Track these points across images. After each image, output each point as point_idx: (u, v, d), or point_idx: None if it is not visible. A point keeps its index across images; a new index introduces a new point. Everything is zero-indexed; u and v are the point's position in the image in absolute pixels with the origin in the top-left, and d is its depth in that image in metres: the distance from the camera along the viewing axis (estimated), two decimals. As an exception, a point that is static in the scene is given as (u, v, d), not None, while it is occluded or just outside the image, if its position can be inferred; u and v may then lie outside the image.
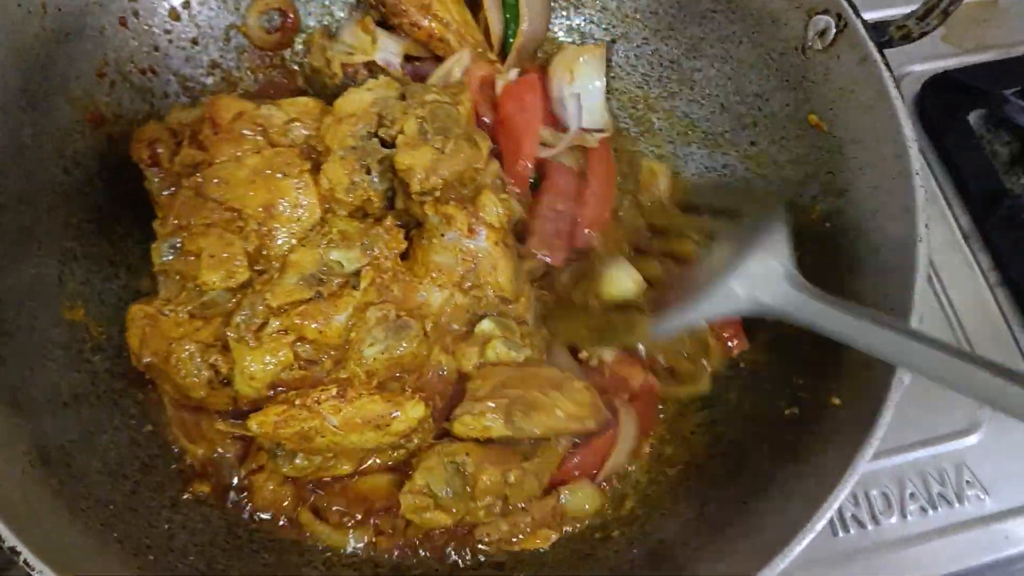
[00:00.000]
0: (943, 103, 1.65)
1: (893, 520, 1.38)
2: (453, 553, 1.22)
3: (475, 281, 1.21)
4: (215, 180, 1.17)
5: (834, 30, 1.20)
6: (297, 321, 1.11)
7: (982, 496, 1.40)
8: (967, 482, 1.42)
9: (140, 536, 1.08)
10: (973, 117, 1.66)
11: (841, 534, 1.37)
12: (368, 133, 1.20)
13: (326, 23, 1.51)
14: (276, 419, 1.09)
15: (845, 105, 1.21)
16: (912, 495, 1.40)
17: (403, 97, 1.24)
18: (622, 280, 1.30)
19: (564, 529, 1.23)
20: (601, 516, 1.25)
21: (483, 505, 1.18)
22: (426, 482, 1.17)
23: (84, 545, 1.00)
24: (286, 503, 1.21)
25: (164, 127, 1.25)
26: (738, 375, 1.31)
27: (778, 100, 1.31)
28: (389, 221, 1.19)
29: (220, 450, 1.23)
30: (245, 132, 1.20)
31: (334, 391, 1.11)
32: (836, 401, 1.11)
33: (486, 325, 1.23)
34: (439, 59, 1.45)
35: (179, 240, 1.17)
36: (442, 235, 1.20)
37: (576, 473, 1.26)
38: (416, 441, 1.18)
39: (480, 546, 1.22)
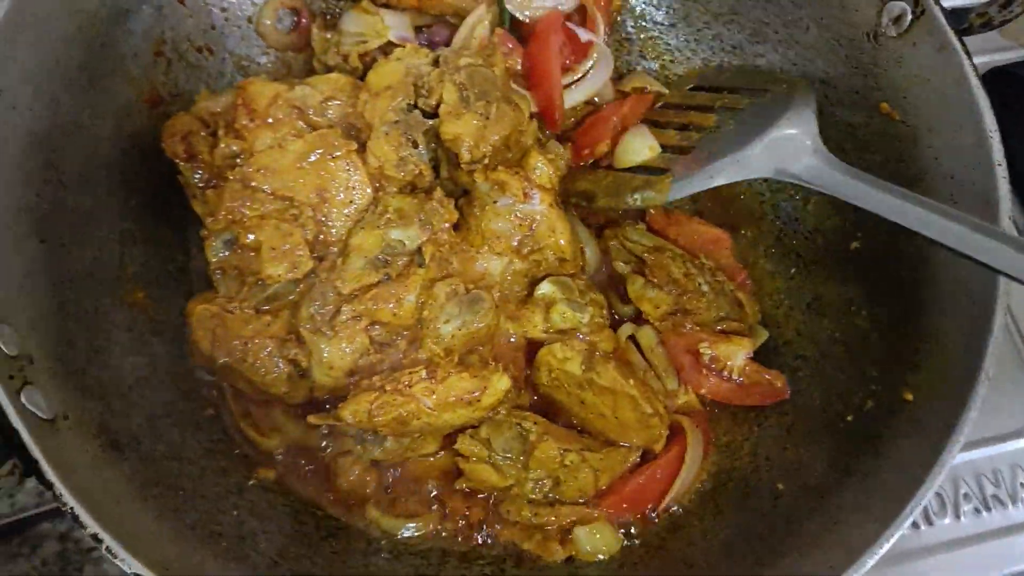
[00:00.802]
0: (1002, 98, 1.61)
1: (947, 521, 1.38)
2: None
3: (533, 245, 1.20)
4: (261, 169, 1.15)
5: (910, 16, 1.17)
6: (370, 305, 1.10)
7: None
8: (1022, 484, 1.41)
9: (211, 522, 1.07)
10: None
11: None
12: (408, 105, 1.18)
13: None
14: (371, 407, 1.08)
15: (920, 93, 1.19)
16: (966, 496, 1.40)
17: (435, 64, 1.21)
18: (637, 146, 1.32)
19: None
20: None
21: (533, 477, 1.17)
22: (488, 436, 1.17)
23: (161, 532, 1.00)
24: (369, 489, 1.20)
25: (194, 117, 1.22)
26: (807, 367, 1.30)
27: (846, 87, 1.29)
28: (439, 193, 1.17)
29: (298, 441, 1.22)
30: (282, 116, 1.17)
31: (423, 373, 1.10)
32: (908, 396, 1.10)
33: (546, 288, 1.22)
34: (446, 22, 1.41)
35: (232, 235, 1.15)
36: (495, 202, 1.19)
37: (635, 499, 1.22)
38: (503, 413, 1.18)
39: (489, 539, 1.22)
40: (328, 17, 1.43)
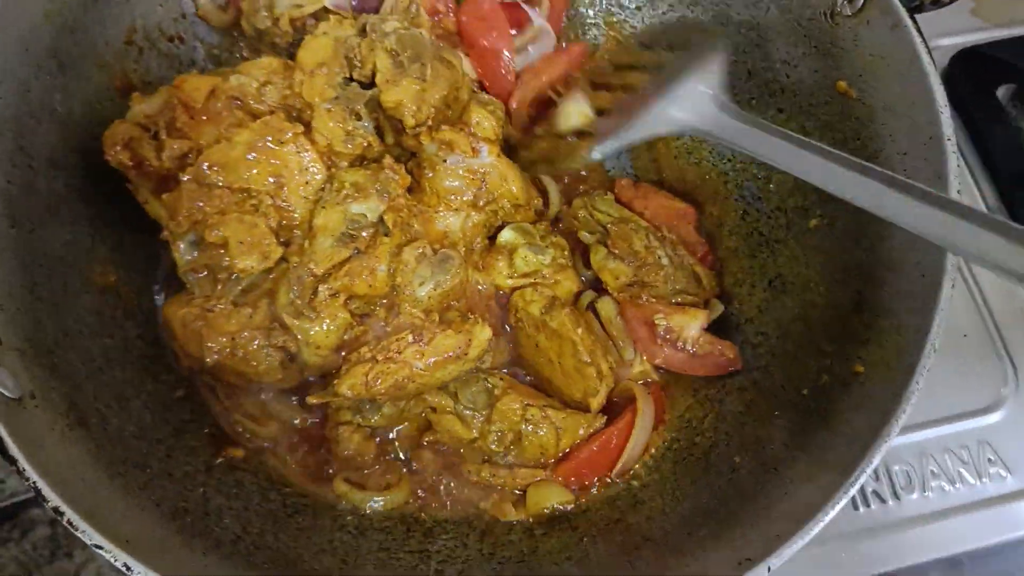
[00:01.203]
0: (971, 78, 1.63)
1: (914, 496, 1.39)
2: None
3: (488, 197, 1.24)
4: (212, 165, 1.15)
5: (864, -5, 1.19)
6: (346, 281, 1.12)
7: (1004, 474, 1.40)
8: (989, 460, 1.42)
9: (176, 499, 1.09)
10: (1002, 92, 1.64)
11: (862, 509, 1.37)
12: (344, 79, 1.20)
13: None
14: (367, 379, 1.12)
15: (876, 72, 1.21)
16: (934, 472, 1.41)
17: (363, 32, 1.22)
18: (571, 112, 1.32)
19: (529, 517, 1.24)
20: (628, 484, 1.27)
21: (495, 429, 1.21)
22: (456, 389, 1.22)
23: (124, 507, 1.01)
24: (369, 456, 1.24)
25: (132, 124, 1.20)
26: (767, 343, 1.31)
27: (806, 67, 1.31)
28: (389, 160, 1.19)
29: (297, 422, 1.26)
30: (222, 109, 1.18)
31: (410, 338, 1.14)
32: (859, 369, 1.12)
33: (507, 235, 1.28)
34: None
35: (196, 235, 1.16)
36: (444, 161, 1.22)
37: (590, 466, 1.26)
38: (488, 361, 1.23)
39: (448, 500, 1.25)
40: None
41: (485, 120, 1.25)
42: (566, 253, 1.33)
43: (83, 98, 1.24)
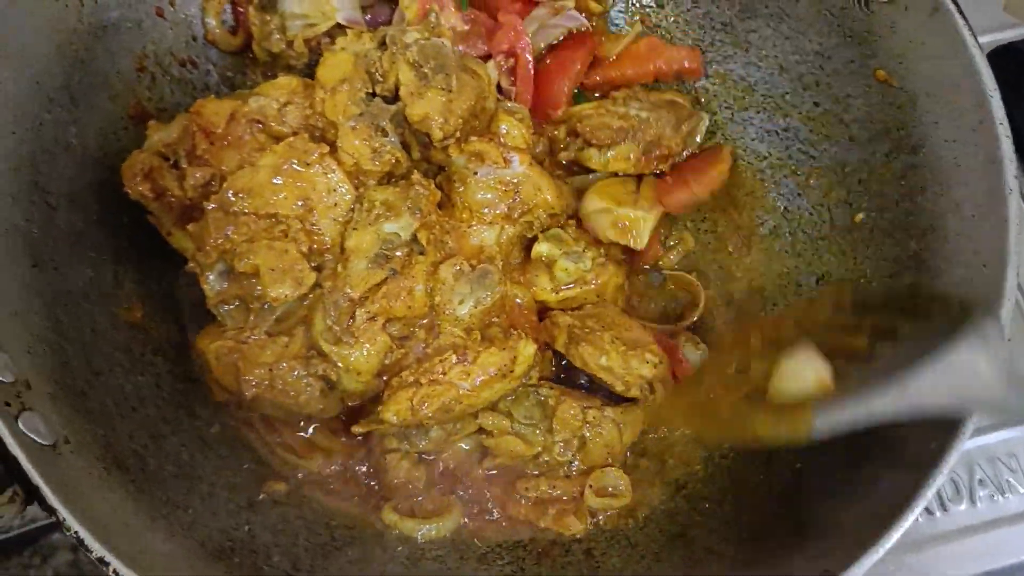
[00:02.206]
0: (1006, 76, 1.56)
1: (962, 507, 1.34)
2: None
3: (523, 208, 1.20)
4: (238, 192, 1.10)
5: (900, -19, 1.16)
6: (384, 304, 1.09)
7: None
8: None
9: (222, 539, 1.05)
10: None
11: None
12: (367, 94, 1.16)
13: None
14: (412, 403, 1.08)
15: (915, 57, 1.17)
16: (981, 481, 1.36)
17: (383, 45, 1.18)
18: (802, 373, 0.98)
19: (594, 520, 1.21)
20: (687, 493, 1.23)
21: (560, 439, 1.18)
22: (508, 408, 1.18)
23: (169, 551, 0.98)
24: (420, 482, 1.20)
25: (151, 153, 1.16)
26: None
27: (841, 57, 1.27)
28: (417, 176, 1.15)
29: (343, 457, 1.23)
30: (243, 133, 1.14)
31: (454, 359, 1.10)
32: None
33: (543, 248, 1.24)
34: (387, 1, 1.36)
35: (225, 265, 1.12)
36: (475, 173, 1.18)
37: None
38: (534, 377, 1.19)
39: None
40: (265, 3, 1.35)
41: (514, 128, 1.22)
42: (601, 250, 1.28)
43: (98, 130, 1.21)
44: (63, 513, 0.89)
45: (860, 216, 1.26)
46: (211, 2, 1.34)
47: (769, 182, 1.39)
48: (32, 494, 0.88)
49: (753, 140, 1.41)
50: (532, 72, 1.33)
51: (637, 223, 1.29)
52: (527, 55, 1.32)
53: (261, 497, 1.16)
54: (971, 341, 0.90)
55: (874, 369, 0.95)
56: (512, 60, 1.32)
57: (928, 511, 1.33)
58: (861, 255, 1.25)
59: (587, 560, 1.17)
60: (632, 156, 1.32)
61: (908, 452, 1.00)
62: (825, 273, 1.30)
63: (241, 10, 1.35)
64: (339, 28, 1.30)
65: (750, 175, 1.41)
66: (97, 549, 0.88)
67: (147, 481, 1.04)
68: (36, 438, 0.91)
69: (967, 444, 1.27)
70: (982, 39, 1.61)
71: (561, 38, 1.39)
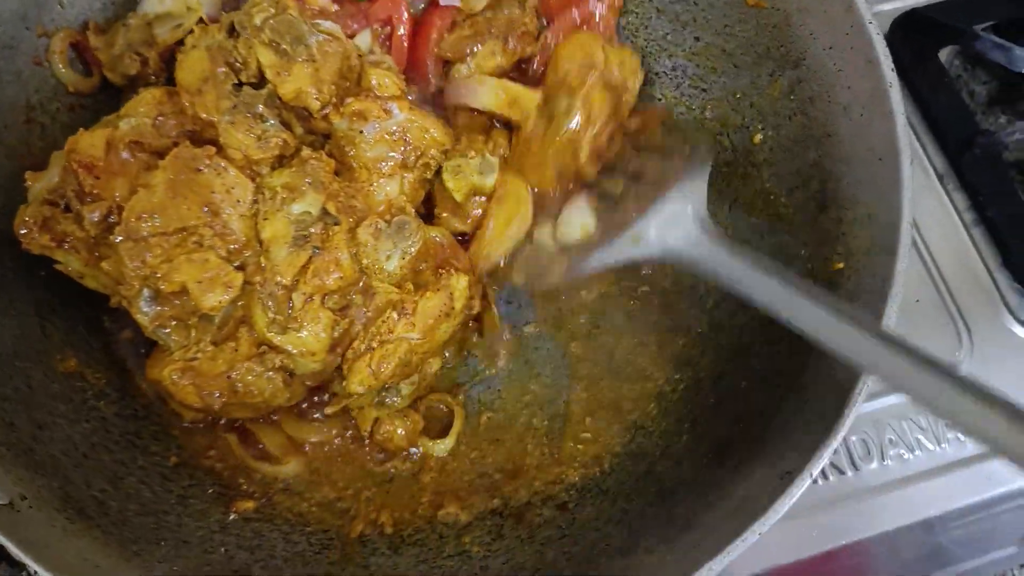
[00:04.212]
0: (913, 42, 1.59)
1: (873, 465, 1.36)
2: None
3: (416, 152, 1.20)
4: (140, 217, 1.08)
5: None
6: (316, 282, 1.09)
7: (963, 438, 1.37)
8: (947, 425, 1.39)
9: (200, 564, 1.05)
10: (944, 55, 1.61)
11: (820, 482, 1.34)
12: (233, 85, 1.14)
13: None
14: (371, 369, 1.10)
15: (780, -24, 1.22)
16: (891, 440, 1.38)
17: (232, 32, 1.16)
18: (573, 222, 1.25)
19: None
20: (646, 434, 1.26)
21: None
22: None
23: (150, 586, 0.97)
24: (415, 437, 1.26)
25: (39, 204, 1.13)
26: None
27: (712, -11, 1.31)
28: (307, 151, 1.15)
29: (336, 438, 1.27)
30: (125, 157, 1.12)
31: (395, 316, 1.13)
32: (839, 265, 1.13)
33: (447, 179, 1.25)
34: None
35: (150, 291, 1.10)
36: (361, 132, 1.18)
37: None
38: (477, 304, 1.23)
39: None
40: (104, 20, 1.32)
41: (384, 78, 1.21)
42: (488, 146, 1.30)
43: (-1, 188, 1.18)
44: (33, 567, 0.88)
45: (759, 137, 1.30)
46: (52, 54, 1.29)
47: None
48: (-2, 552, 0.87)
49: (643, 87, 1.43)
50: (406, 43, 1.35)
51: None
52: (401, 26, 1.33)
53: (232, 517, 1.15)
54: (680, 189, 1.08)
55: (619, 212, 1.17)
56: (388, 28, 1.33)
57: (839, 470, 1.35)
58: (766, 173, 1.29)
59: (562, 514, 1.19)
60: (496, 50, 1.33)
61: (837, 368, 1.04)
62: (735, 199, 1.34)
63: (85, 48, 1.31)
64: (201, 23, 1.27)
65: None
66: (78, 600, 0.88)
67: (112, 524, 1.03)
68: (-9, 501, 0.90)
69: (874, 404, 1.37)
70: (891, 6, 1.65)
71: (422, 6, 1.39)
